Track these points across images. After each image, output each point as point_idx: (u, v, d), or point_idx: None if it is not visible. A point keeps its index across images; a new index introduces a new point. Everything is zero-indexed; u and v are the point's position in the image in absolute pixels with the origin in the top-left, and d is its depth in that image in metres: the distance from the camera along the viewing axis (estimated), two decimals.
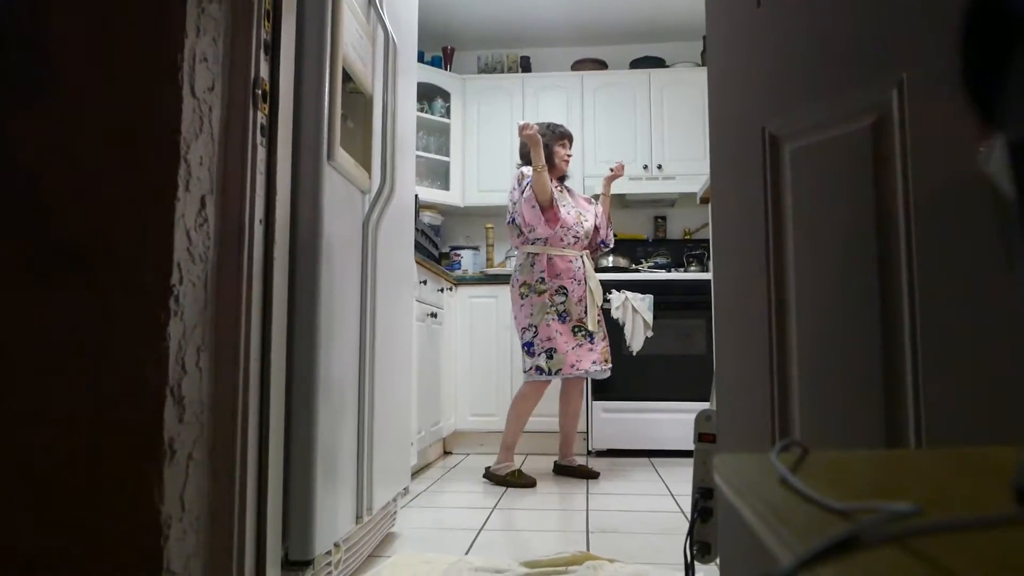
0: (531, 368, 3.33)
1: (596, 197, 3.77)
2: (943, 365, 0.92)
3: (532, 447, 4.26)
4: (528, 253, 3.44)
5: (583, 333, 3.38)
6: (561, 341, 3.32)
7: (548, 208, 3.38)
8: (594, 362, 3.37)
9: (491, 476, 3.35)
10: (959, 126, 0.90)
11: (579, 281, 3.43)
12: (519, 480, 3.27)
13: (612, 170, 3.61)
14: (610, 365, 3.50)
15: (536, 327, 3.35)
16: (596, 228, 3.64)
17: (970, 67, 0.32)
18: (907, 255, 0.96)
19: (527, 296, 3.39)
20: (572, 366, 3.31)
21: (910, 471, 0.46)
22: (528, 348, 3.35)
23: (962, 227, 0.90)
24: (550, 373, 3.31)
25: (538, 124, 3.51)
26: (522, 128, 3.27)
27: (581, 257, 3.49)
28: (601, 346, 3.43)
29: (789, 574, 0.25)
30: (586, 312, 3.40)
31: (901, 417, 0.96)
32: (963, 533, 0.28)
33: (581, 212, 3.56)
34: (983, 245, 0.88)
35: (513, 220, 3.49)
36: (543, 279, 3.38)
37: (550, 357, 3.31)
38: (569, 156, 3.57)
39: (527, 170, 3.45)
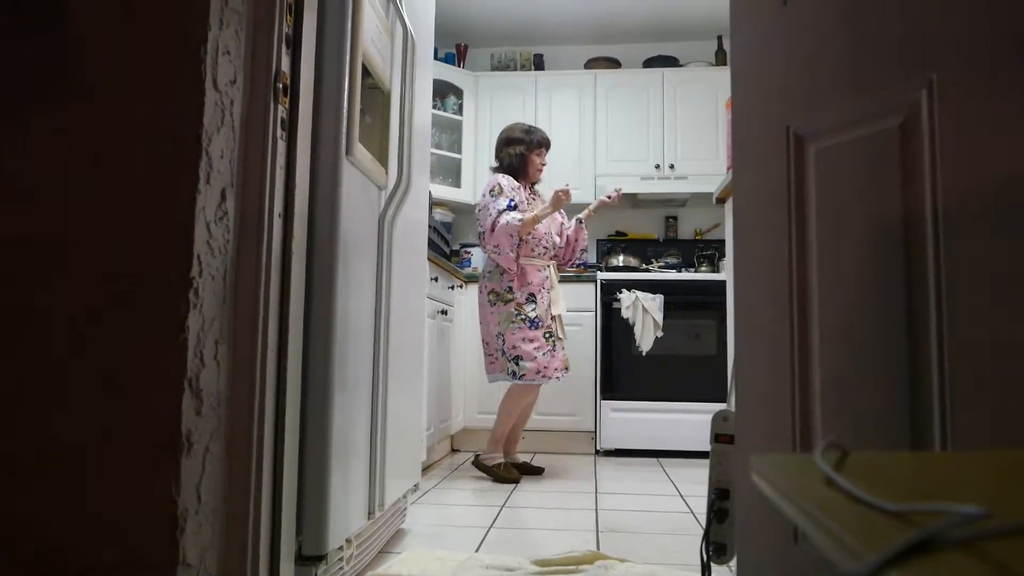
0: (510, 373, 3.38)
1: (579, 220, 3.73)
2: (970, 367, 0.91)
3: (537, 445, 4.26)
4: (497, 262, 3.44)
5: (552, 339, 3.41)
6: (531, 348, 3.35)
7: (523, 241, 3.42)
8: (556, 368, 3.40)
9: (478, 464, 3.39)
10: (990, 127, 0.89)
11: (547, 290, 3.47)
12: (504, 473, 3.30)
13: (609, 197, 3.58)
14: (569, 371, 3.52)
15: (503, 335, 3.38)
16: (568, 243, 3.65)
17: None
18: (935, 256, 0.95)
19: (495, 304, 3.42)
20: (539, 372, 3.35)
21: (953, 473, 0.45)
22: (505, 355, 3.40)
23: (991, 229, 0.89)
24: (518, 378, 3.35)
25: (519, 127, 3.58)
26: (563, 194, 3.33)
27: (549, 267, 3.53)
28: (562, 354, 3.47)
29: (870, 574, 0.24)
30: (553, 319, 3.44)
31: (927, 419, 0.95)
32: None
33: (551, 223, 3.55)
34: (1013, 248, 0.87)
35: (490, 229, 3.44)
36: (511, 288, 3.39)
37: (516, 364, 3.36)
38: (543, 165, 3.57)
39: (504, 181, 3.44)
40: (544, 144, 3.56)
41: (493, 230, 3.35)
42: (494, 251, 3.38)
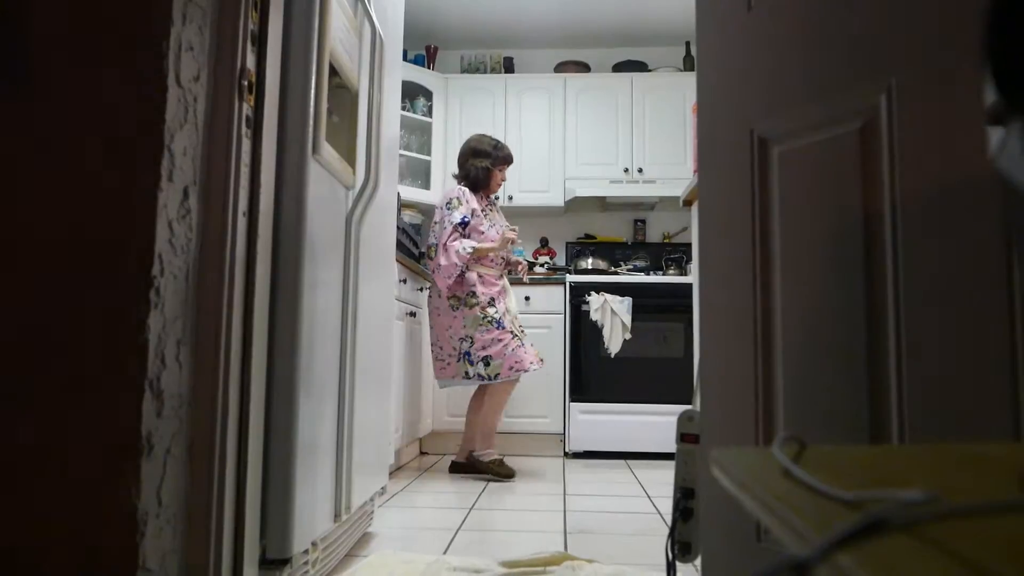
0: (474, 376, 3.50)
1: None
2: (927, 366, 0.93)
3: (506, 447, 4.26)
4: (461, 268, 3.55)
5: (517, 338, 3.53)
6: (501, 347, 3.47)
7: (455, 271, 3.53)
8: (531, 361, 3.51)
9: (474, 461, 3.48)
10: (946, 131, 0.91)
11: (503, 295, 3.62)
12: (501, 469, 3.39)
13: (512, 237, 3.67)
14: (544, 363, 3.67)
15: (472, 338, 3.49)
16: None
17: (997, 54, 0.32)
18: (892, 256, 0.97)
19: (457, 308, 3.53)
20: (511, 368, 3.46)
21: (906, 464, 0.46)
22: (468, 357, 3.50)
23: (947, 229, 0.91)
24: (491, 379, 3.47)
25: (488, 140, 3.71)
26: (511, 236, 3.52)
27: (503, 275, 3.69)
28: (531, 345, 3.59)
29: (816, 558, 0.25)
30: (512, 320, 3.59)
31: (885, 416, 0.97)
32: (975, 522, 0.28)
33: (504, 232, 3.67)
34: (967, 247, 0.89)
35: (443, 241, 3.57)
36: (474, 293, 3.50)
37: (487, 364, 3.47)
38: (503, 180, 3.73)
39: (461, 195, 3.56)
40: (508, 161, 3.72)
41: (446, 248, 3.49)
42: (438, 268, 3.50)
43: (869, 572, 0.23)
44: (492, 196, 3.76)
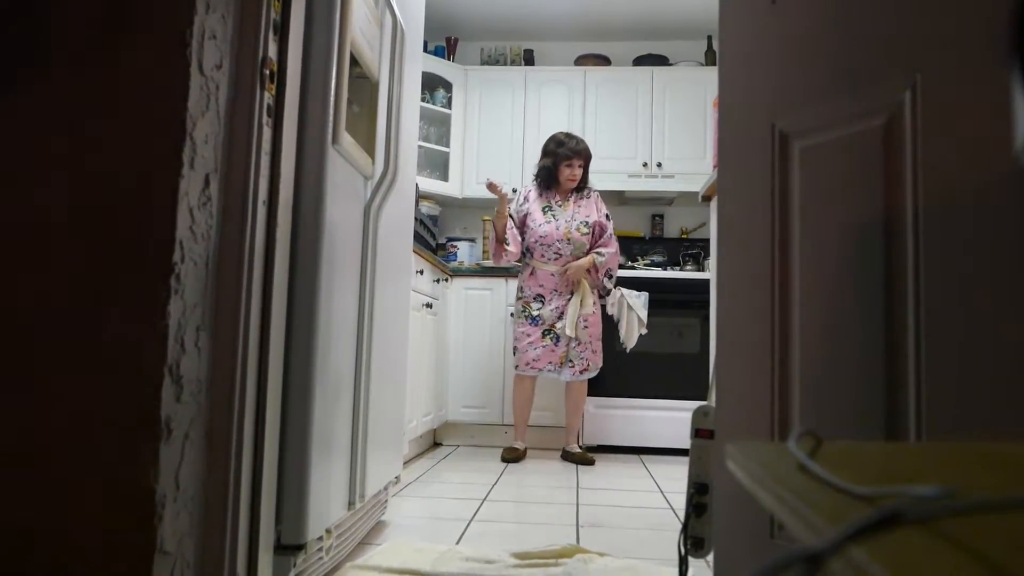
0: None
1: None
2: (947, 366, 0.92)
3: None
4: (524, 262, 3.89)
5: (551, 336, 3.73)
6: (525, 342, 3.74)
7: (497, 244, 3.81)
8: (550, 363, 3.72)
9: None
10: (971, 128, 0.90)
11: (559, 292, 3.75)
12: (509, 456, 3.70)
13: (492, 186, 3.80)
14: (575, 368, 3.77)
15: (514, 327, 3.87)
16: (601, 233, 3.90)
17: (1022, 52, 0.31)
18: (914, 255, 0.96)
19: (515, 299, 3.91)
20: (528, 364, 3.74)
21: (923, 461, 0.46)
22: (514, 344, 3.90)
23: (970, 226, 0.90)
24: (516, 368, 3.83)
25: (556, 137, 3.83)
26: (488, 186, 3.71)
27: (567, 270, 3.78)
28: (562, 350, 3.73)
29: (829, 550, 0.25)
30: (560, 318, 3.72)
31: (902, 417, 0.96)
32: (991, 518, 0.28)
33: (572, 227, 3.76)
34: (990, 245, 0.88)
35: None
36: (522, 287, 3.83)
37: (514, 354, 3.85)
38: (575, 176, 3.80)
39: (522, 191, 3.92)
40: (576, 154, 3.77)
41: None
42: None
43: (882, 565, 0.23)
44: (578, 191, 3.85)
